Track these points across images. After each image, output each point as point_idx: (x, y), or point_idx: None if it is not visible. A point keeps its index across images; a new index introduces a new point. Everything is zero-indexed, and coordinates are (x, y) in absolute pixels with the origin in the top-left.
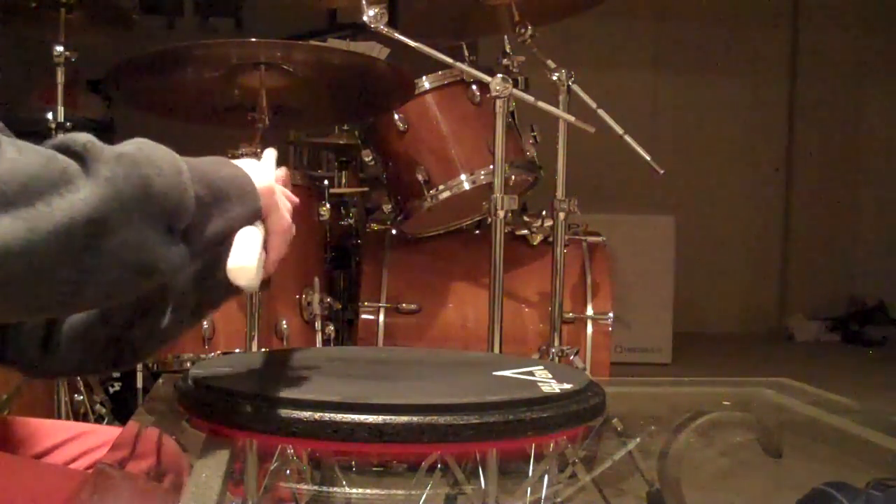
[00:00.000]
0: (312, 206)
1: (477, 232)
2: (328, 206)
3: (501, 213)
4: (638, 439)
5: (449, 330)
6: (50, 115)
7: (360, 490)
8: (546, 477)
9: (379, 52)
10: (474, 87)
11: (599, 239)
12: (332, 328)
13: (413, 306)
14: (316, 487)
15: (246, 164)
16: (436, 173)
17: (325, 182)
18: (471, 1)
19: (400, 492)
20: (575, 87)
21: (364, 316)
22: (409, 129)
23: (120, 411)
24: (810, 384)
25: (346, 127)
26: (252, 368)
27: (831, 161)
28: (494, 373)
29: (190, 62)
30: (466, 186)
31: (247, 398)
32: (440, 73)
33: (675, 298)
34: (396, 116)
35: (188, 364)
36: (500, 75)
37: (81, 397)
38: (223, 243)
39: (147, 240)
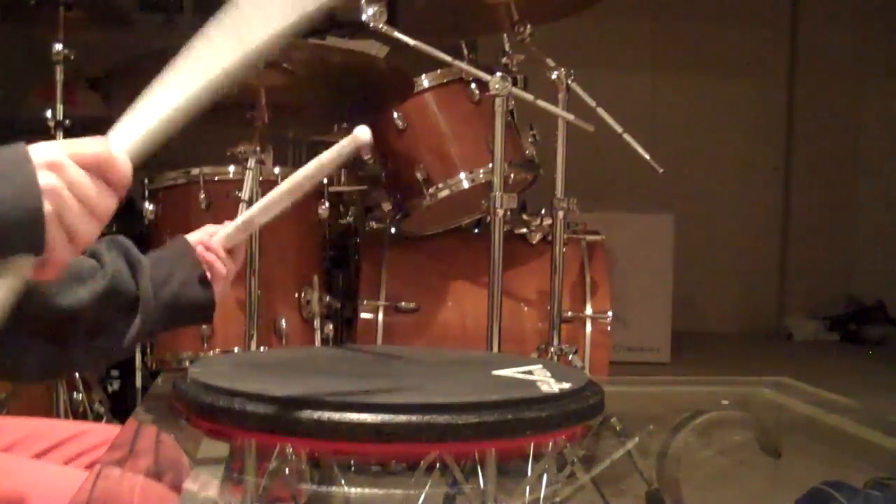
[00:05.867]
0: (311, 205)
1: (476, 231)
2: (327, 204)
3: (500, 212)
4: (637, 439)
5: (448, 329)
6: (49, 114)
7: (359, 489)
8: (545, 476)
9: (378, 50)
10: (473, 85)
11: (598, 238)
12: (331, 327)
13: (412, 305)
14: (315, 487)
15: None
16: (435, 172)
17: (325, 180)
18: None
19: (399, 491)
20: (574, 86)
21: (363, 315)
22: (409, 127)
23: (118, 410)
24: (809, 383)
25: (345, 125)
26: (251, 367)
27: (830, 161)
28: (493, 372)
29: None
30: (465, 185)
31: (246, 397)
32: (439, 71)
33: (674, 297)
34: (395, 115)
35: (187, 363)
36: (499, 74)
37: (80, 396)
38: None
39: None
